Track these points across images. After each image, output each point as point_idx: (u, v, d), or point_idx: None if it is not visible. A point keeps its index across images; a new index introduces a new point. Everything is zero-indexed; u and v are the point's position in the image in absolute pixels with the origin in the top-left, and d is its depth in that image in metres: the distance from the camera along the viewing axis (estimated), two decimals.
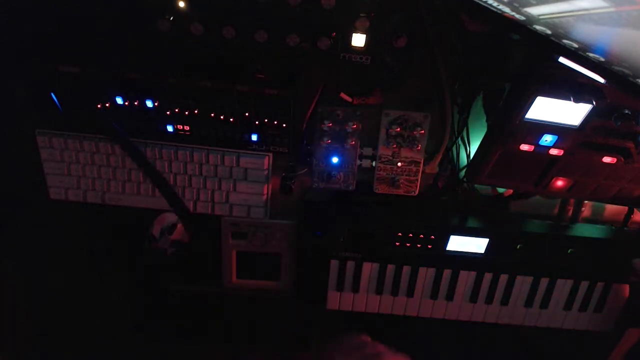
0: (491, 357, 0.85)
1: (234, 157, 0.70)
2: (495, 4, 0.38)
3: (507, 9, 0.38)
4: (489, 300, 0.77)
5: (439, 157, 0.71)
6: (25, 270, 0.81)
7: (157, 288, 0.83)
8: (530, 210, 0.77)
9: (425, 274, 0.76)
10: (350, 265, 0.75)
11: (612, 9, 0.25)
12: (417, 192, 0.72)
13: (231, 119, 0.66)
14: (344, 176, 0.72)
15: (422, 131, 0.67)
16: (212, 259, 0.78)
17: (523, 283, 0.76)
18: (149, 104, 0.65)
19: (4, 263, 0.79)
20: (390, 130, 0.67)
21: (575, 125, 0.58)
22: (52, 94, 0.64)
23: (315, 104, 0.66)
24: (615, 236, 0.73)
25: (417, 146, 0.68)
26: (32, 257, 0.80)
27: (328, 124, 0.67)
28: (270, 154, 0.71)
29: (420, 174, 0.70)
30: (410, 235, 0.72)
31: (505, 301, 0.77)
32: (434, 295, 0.77)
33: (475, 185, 0.74)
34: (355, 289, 0.77)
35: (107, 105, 0.65)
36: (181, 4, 0.54)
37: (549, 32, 0.37)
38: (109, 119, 0.66)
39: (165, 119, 0.66)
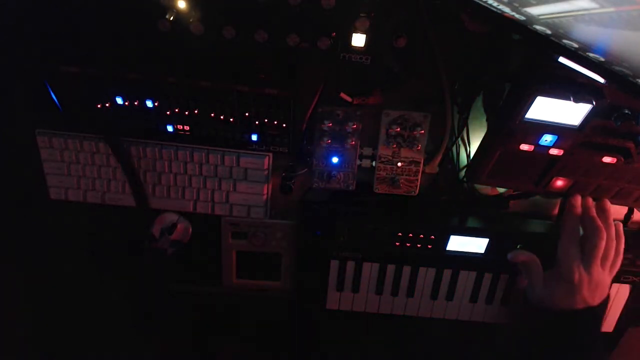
0: (491, 356, 0.85)
1: (234, 157, 0.70)
2: (495, 4, 0.38)
3: (507, 9, 0.38)
4: (489, 300, 0.77)
5: (439, 157, 0.71)
6: (25, 270, 0.81)
7: (157, 288, 0.83)
8: (530, 210, 0.77)
9: (425, 274, 0.76)
10: (350, 265, 0.75)
11: (612, 9, 0.25)
12: (417, 192, 0.72)
13: (231, 119, 0.66)
14: (344, 176, 0.72)
15: (422, 131, 0.67)
16: (212, 259, 0.78)
17: (523, 283, 0.76)
18: (149, 104, 0.65)
19: (4, 263, 0.79)
20: (390, 130, 0.67)
21: (575, 125, 0.58)
22: (52, 94, 0.64)
23: (315, 104, 0.66)
24: None
25: (417, 146, 0.68)
26: (32, 257, 0.80)
27: (328, 124, 0.67)
28: (270, 154, 0.71)
29: (420, 174, 0.70)
30: (410, 235, 0.72)
31: (505, 301, 0.77)
32: (434, 295, 0.77)
33: (475, 185, 0.74)
34: (355, 289, 0.77)
35: (107, 105, 0.65)
36: (181, 4, 0.54)
37: (549, 32, 0.37)
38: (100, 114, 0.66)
39: (165, 119, 0.66)
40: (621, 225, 0.69)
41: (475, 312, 0.78)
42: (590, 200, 0.67)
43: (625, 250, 0.71)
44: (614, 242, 0.67)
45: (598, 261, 0.65)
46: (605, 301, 0.67)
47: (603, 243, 0.65)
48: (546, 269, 0.69)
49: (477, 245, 0.73)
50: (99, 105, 0.65)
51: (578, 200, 0.67)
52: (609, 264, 0.66)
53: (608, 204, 0.67)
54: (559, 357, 0.65)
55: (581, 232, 0.67)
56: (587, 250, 0.65)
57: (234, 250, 0.77)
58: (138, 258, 0.75)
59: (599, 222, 0.65)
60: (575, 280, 0.64)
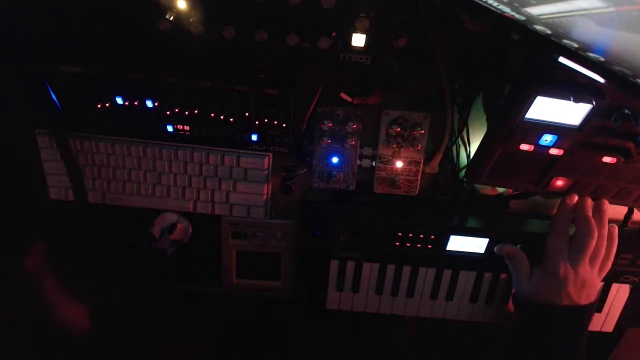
0: (490, 357, 0.85)
1: (234, 157, 0.70)
2: (495, 4, 0.38)
3: (507, 9, 0.38)
4: (489, 300, 0.77)
5: (439, 157, 0.71)
6: (26, 270, 0.81)
7: (157, 288, 0.83)
8: (530, 210, 0.77)
9: (425, 274, 0.76)
10: (350, 265, 0.75)
11: (612, 9, 0.25)
12: (417, 192, 0.72)
13: (231, 119, 0.66)
14: (344, 176, 0.72)
15: (422, 131, 0.67)
16: (212, 259, 0.78)
17: None
18: (149, 104, 0.65)
19: (4, 263, 0.79)
20: (390, 130, 0.67)
21: (575, 125, 0.58)
22: (52, 94, 0.64)
23: (315, 104, 0.66)
24: None
25: (417, 146, 0.68)
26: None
27: (328, 124, 0.67)
28: (270, 154, 0.71)
29: (420, 174, 0.70)
30: (410, 235, 0.72)
31: (505, 301, 0.77)
32: (434, 295, 0.77)
33: (475, 185, 0.74)
34: (355, 289, 0.77)
35: (107, 105, 0.65)
36: (181, 4, 0.54)
37: (549, 32, 0.37)
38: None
39: (165, 119, 0.66)
40: (616, 228, 0.69)
41: (475, 312, 0.78)
42: (588, 200, 0.67)
43: (625, 250, 0.71)
44: (605, 243, 0.67)
45: (586, 259, 0.65)
46: (594, 304, 0.67)
47: (593, 242, 0.65)
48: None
49: (477, 245, 0.73)
50: (99, 105, 0.65)
51: (574, 198, 0.67)
52: (598, 263, 0.66)
53: (606, 204, 0.67)
54: (540, 352, 0.65)
55: (573, 230, 0.67)
56: (576, 247, 0.65)
57: (234, 250, 0.77)
58: (138, 258, 0.75)
59: (592, 221, 0.65)
60: (561, 274, 0.64)
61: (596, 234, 0.65)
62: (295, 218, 0.76)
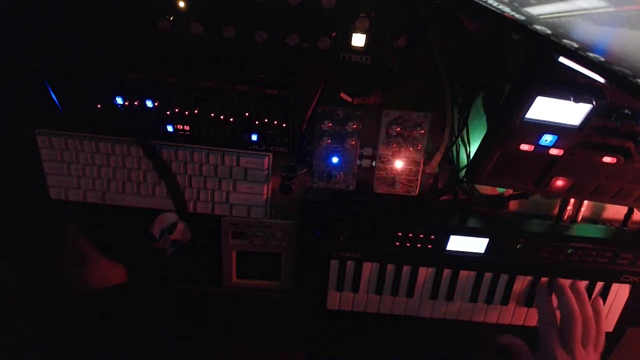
0: (490, 357, 0.85)
1: (234, 157, 0.70)
2: (495, 4, 0.38)
3: (507, 9, 0.38)
4: (489, 300, 0.77)
5: (439, 157, 0.71)
6: (25, 270, 0.81)
7: (157, 288, 0.83)
8: (530, 210, 0.77)
9: (425, 274, 0.76)
10: (350, 265, 0.75)
11: (612, 9, 0.25)
12: (417, 192, 0.72)
13: (231, 119, 0.66)
14: (344, 176, 0.72)
15: (422, 131, 0.67)
16: (212, 259, 0.78)
17: (523, 283, 0.76)
18: (149, 104, 0.65)
19: (4, 263, 0.79)
20: (390, 130, 0.67)
21: (575, 125, 0.58)
22: (52, 94, 0.64)
23: (315, 104, 0.66)
24: (615, 236, 0.73)
25: (417, 146, 0.68)
26: (32, 257, 0.80)
27: (328, 124, 0.67)
28: (270, 154, 0.71)
29: (420, 174, 0.70)
30: (410, 235, 0.72)
31: (505, 301, 0.77)
32: (434, 295, 0.77)
33: (475, 185, 0.74)
34: (355, 289, 0.77)
35: (107, 105, 0.65)
36: (181, 4, 0.54)
37: (549, 32, 0.37)
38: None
39: (165, 119, 0.66)
40: (600, 301, 0.70)
41: (475, 312, 0.78)
42: (563, 283, 0.69)
43: (625, 250, 0.71)
44: (593, 321, 0.67)
45: (578, 344, 0.65)
46: None
47: (579, 325, 0.65)
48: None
49: (477, 245, 0.73)
50: (99, 105, 0.65)
51: (550, 285, 0.69)
52: (591, 343, 0.66)
53: (580, 285, 0.69)
54: None
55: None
56: (565, 333, 0.65)
57: (234, 250, 0.77)
58: (138, 258, 0.75)
59: (573, 304, 0.66)
60: None
61: (579, 316, 0.65)
62: (295, 218, 0.76)
